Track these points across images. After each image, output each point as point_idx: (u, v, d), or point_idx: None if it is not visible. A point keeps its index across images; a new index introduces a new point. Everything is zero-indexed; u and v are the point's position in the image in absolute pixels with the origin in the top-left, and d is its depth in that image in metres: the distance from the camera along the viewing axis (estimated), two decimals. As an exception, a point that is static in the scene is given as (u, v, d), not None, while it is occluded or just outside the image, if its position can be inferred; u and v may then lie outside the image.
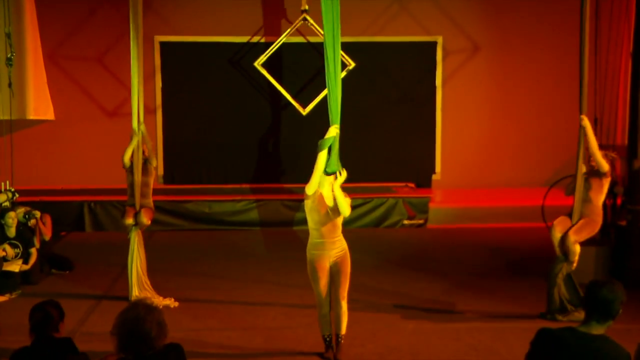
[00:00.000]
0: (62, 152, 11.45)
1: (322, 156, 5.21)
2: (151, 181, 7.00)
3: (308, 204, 5.26)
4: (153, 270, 7.06)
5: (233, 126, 11.57)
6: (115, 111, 11.45)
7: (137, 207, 6.81)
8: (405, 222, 10.28)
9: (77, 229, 10.00)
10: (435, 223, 10.31)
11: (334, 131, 5.25)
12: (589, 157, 6.40)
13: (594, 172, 6.36)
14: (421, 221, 10.30)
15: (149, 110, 9.71)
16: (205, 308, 6.66)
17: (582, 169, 6.36)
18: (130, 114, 6.88)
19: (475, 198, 10.90)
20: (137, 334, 3.09)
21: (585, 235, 6.39)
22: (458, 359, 5.47)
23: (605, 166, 6.24)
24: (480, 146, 11.77)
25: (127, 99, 11.27)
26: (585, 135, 6.21)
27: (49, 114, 11.29)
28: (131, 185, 6.85)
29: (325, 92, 10.77)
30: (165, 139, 11.55)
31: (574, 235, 6.34)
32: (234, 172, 11.60)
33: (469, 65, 11.73)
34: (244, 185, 11.31)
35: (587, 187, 6.38)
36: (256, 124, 11.57)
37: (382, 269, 7.97)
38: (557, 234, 6.43)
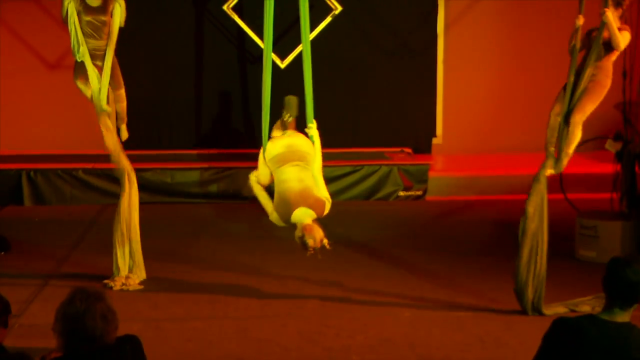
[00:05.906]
0: (-6, 112, 11.31)
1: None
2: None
3: None
4: (104, 250, 7.05)
5: (199, 81, 11.47)
6: (58, 63, 11.29)
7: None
8: (401, 193, 10.30)
9: (14, 202, 9.93)
10: (435, 194, 10.34)
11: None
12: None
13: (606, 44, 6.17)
14: (419, 192, 10.33)
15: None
16: (167, 294, 6.68)
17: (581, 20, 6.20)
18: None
19: (482, 165, 10.93)
20: (79, 333, 3.08)
21: (591, 105, 6.13)
22: (461, 351, 5.53)
23: (622, 44, 6.03)
24: (489, 105, 11.77)
25: (72, 49, 11.12)
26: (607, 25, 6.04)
27: (-24, 66, 11.13)
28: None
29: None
30: (118, 96, 11.44)
31: (579, 114, 6.12)
32: (200, 136, 11.53)
33: (477, 7, 11.67)
34: (212, 151, 11.26)
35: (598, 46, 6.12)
36: (226, 79, 11.47)
37: (373, 248, 8.01)
38: (555, 116, 6.36)
